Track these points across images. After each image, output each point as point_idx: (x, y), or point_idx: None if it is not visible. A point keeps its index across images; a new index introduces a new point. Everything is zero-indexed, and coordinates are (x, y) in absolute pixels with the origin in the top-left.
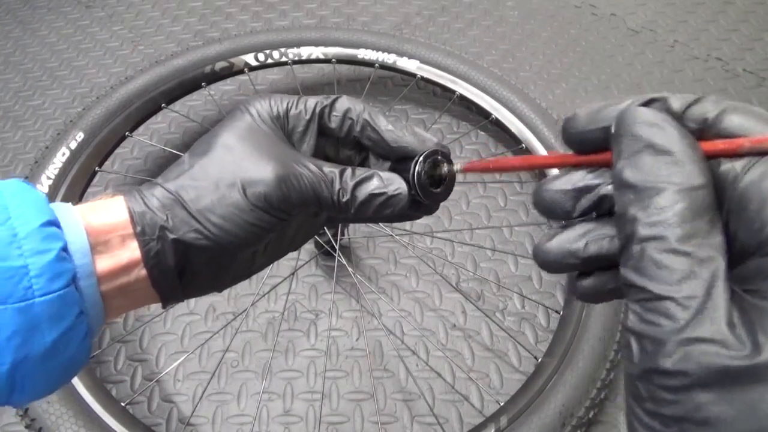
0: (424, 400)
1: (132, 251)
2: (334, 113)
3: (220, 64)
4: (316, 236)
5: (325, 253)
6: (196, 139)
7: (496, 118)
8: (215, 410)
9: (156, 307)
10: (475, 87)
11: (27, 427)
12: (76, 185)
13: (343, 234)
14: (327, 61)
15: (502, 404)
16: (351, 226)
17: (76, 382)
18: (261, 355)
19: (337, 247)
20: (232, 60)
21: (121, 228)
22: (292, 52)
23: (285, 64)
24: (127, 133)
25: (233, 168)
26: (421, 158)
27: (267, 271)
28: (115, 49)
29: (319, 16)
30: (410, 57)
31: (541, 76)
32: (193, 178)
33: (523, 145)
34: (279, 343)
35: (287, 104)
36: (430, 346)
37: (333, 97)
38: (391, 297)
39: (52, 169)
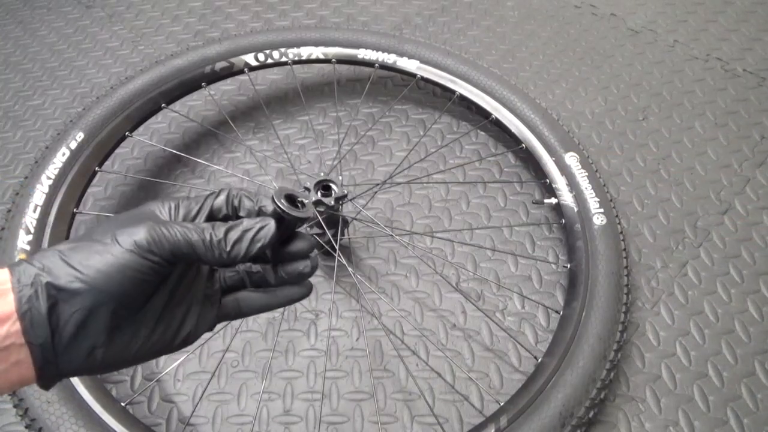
0: (424, 400)
1: (7, 303)
2: (219, 198)
3: (220, 64)
4: (315, 236)
5: (325, 253)
6: (196, 139)
7: (496, 118)
8: (215, 410)
9: None
10: (475, 87)
11: (27, 427)
12: (76, 185)
13: (343, 234)
14: (327, 61)
15: (502, 404)
16: (351, 225)
17: (76, 381)
18: (261, 355)
19: (337, 247)
20: (232, 60)
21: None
22: (292, 52)
23: (285, 64)
24: (127, 133)
25: (110, 227)
26: (273, 194)
27: None
28: (115, 49)
29: (319, 16)
30: (410, 57)
31: (541, 76)
32: (73, 239)
33: (524, 146)
34: (279, 343)
35: (179, 202)
36: (430, 346)
37: (217, 191)
38: (391, 297)
39: (52, 169)
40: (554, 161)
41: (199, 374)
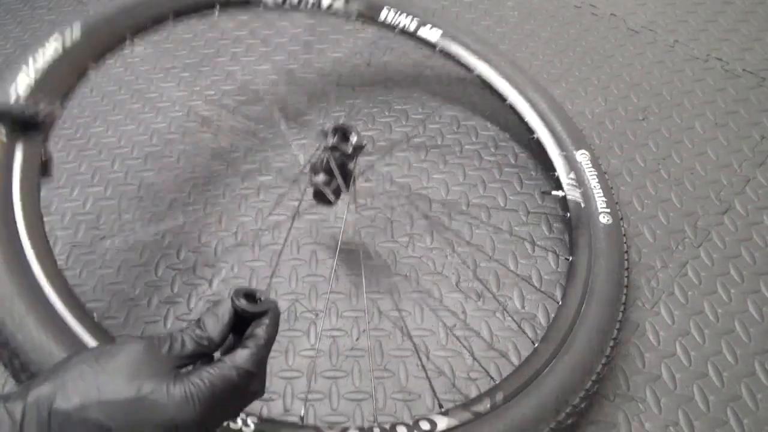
0: (424, 400)
1: None
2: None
3: None
4: (322, 185)
5: (328, 200)
6: (197, 140)
7: (511, 104)
8: None
9: (155, 307)
10: (496, 70)
11: None
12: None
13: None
14: (347, 15)
15: (497, 382)
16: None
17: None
18: None
19: (348, 204)
20: None
21: None
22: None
23: (300, 9)
24: (129, 40)
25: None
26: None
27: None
28: None
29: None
30: (434, 26)
31: (541, 76)
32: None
33: (536, 135)
34: (279, 343)
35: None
36: (430, 346)
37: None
38: (391, 297)
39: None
40: (565, 155)
41: None
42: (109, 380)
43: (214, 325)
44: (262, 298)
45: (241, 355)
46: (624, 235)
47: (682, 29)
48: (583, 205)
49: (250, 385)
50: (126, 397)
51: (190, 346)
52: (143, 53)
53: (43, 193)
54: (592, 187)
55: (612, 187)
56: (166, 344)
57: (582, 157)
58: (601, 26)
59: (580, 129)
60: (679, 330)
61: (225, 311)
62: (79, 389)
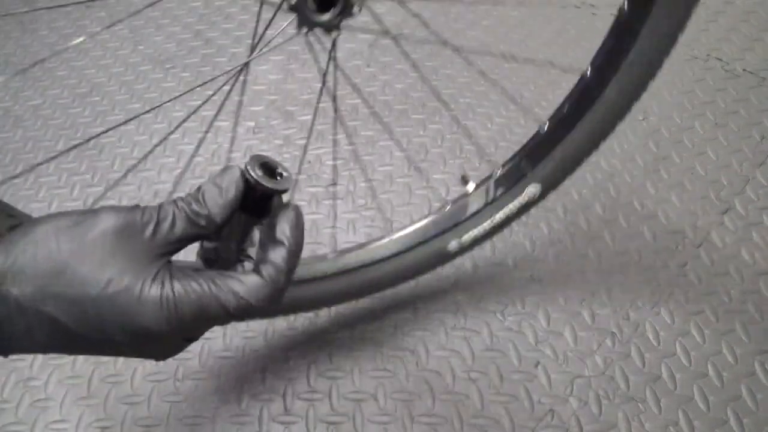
0: (424, 400)
1: None
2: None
3: None
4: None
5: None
6: (197, 140)
7: None
8: (215, 411)
9: None
10: None
11: None
12: None
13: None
14: None
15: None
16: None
17: None
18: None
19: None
20: None
21: None
22: None
23: None
24: None
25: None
26: (247, 162)
27: None
28: (115, 49)
29: None
30: None
31: (541, 75)
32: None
33: None
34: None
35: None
36: (430, 346)
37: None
38: (391, 297)
39: None
40: None
41: (199, 374)
42: (73, 265)
43: (216, 200)
44: (284, 174)
45: (253, 284)
46: None
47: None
48: None
49: (248, 316)
50: (90, 293)
51: (181, 227)
52: (143, 53)
53: (41, 193)
54: None
55: None
56: (151, 224)
57: None
58: (601, 26)
59: None
60: (679, 330)
61: (232, 183)
62: (36, 273)
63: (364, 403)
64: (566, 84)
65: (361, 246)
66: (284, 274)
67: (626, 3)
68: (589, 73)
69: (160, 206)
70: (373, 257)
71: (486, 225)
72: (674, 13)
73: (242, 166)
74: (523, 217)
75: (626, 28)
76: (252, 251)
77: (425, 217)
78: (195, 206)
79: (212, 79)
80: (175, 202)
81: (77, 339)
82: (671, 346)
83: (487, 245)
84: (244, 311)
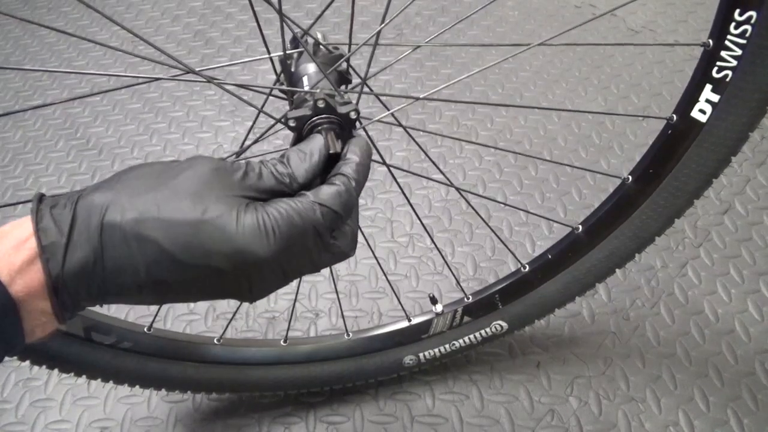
0: (424, 400)
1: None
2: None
3: None
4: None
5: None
6: (198, 140)
7: None
8: (215, 411)
9: (155, 306)
10: None
11: None
12: None
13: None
14: None
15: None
16: None
17: None
18: None
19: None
20: None
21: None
22: None
23: None
24: None
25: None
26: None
27: None
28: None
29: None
30: None
31: (541, 76)
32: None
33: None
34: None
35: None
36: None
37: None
38: (391, 297)
39: None
40: None
41: None
42: (171, 198)
43: (300, 163)
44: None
45: (327, 192)
46: None
47: (682, 29)
48: None
49: (335, 231)
50: (189, 218)
51: (268, 180)
52: (143, 52)
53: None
54: None
55: None
56: (240, 170)
57: None
58: (601, 26)
59: None
60: (679, 330)
61: (316, 148)
62: (136, 203)
63: (364, 403)
64: (566, 84)
65: (316, 340)
66: (355, 181)
67: (631, 177)
68: (581, 230)
69: (248, 161)
70: (327, 355)
71: (445, 348)
72: (676, 193)
73: (321, 133)
74: (524, 217)
75: (629, 202)
76: None
77: (387, 324)
78: (280, 167)
79: (211, 77)
80: (261, 161)
81: (179, 269)
82: (671, 346)
83: (486, 244)
84: (329, 220)
